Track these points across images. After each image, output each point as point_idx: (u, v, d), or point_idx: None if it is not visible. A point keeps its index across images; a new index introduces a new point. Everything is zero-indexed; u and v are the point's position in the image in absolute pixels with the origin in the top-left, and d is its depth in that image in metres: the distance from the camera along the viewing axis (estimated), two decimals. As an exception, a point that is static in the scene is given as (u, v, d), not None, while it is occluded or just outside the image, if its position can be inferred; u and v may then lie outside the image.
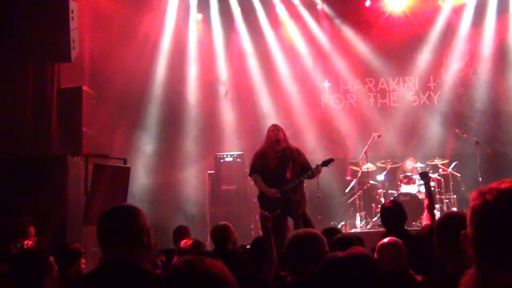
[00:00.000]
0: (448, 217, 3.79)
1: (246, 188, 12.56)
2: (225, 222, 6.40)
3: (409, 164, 12.68)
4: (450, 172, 12.31)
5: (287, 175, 7.82)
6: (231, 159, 12.68)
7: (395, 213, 5.79)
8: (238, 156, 12.76)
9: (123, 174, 9.26)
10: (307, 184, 9.19)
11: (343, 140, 14.23)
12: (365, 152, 11.99)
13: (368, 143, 12.04)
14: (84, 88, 9.80)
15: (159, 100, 13.64)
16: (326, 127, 14.25)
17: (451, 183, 12.25)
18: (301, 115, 14.18)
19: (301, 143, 11.70)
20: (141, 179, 12.73)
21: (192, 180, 13.38)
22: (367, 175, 12.23)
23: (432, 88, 14.33)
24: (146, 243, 3.11)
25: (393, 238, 4.66)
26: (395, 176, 12.76)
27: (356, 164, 12.68)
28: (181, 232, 7.22)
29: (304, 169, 7.96)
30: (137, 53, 12.84)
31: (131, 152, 12.26)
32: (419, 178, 10.62)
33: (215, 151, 13.17)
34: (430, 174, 9.28)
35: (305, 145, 12.28)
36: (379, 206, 9.49)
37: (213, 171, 12.72)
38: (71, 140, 9.32)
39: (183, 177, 13.41)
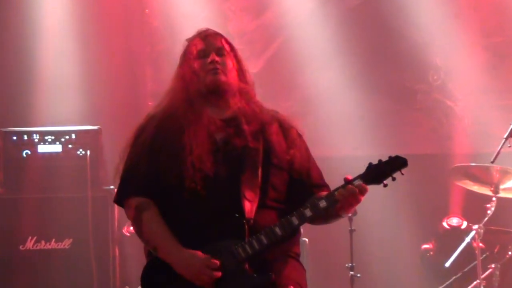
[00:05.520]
0: None
1: (108, 248, 5.94)
2: None
3: None
4: None
5: (246, 207, 3.08)
6: (58, 147, 5.91)
7: None
8: (81, 137, 5.95)
9: None
10: (316, 234, 5.13)
11: (435, 96, 7.11)
12: None
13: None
14: None
15: None
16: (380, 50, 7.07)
17: None
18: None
19: (301, 106, 6.81)
20: None
21: None
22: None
23: None
24: None
25: None
26: None
27: (483, 178, 5.81)
28: None
29: (304, 186, 3.27)
30: None
31: None
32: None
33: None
34: None
35: (311, 113, 6.77)
36: None
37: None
38: None
39: None
